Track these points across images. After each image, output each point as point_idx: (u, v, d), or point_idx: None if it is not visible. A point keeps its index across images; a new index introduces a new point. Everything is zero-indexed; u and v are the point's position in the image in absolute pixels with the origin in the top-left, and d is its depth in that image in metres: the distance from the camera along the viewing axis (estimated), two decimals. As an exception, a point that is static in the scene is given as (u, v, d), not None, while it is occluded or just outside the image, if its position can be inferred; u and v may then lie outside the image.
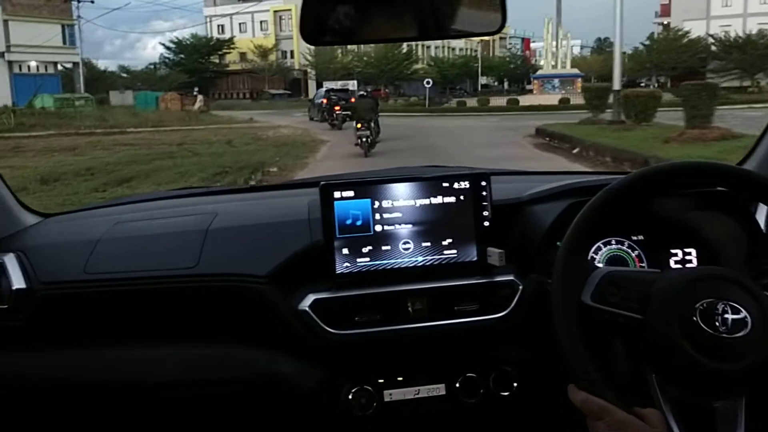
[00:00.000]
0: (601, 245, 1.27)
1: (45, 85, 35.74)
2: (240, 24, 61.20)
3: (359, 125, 13.37)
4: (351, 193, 1.19)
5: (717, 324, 0.89)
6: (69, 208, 2.06)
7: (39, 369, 1.22)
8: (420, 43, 44.82)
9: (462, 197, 1.23)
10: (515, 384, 1.23)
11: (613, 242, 1.27)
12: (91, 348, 1.23)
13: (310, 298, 1.17)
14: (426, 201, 1.22)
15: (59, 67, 42.21)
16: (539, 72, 40.90)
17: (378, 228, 1.20)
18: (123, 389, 1.23)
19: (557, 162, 11.81)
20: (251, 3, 55.41)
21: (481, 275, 1.23)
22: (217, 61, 57.76)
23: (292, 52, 57.54)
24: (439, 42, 54.56)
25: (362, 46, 39.76)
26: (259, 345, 1.22)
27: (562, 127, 16.66)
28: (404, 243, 1.21)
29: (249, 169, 10.27)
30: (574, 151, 13.23)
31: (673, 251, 1.28)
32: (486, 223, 1.23)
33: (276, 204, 1.45)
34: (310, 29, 1.05)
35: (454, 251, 1.22)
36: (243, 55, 57.21)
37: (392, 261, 1.21)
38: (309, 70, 53.68)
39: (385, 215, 1.21)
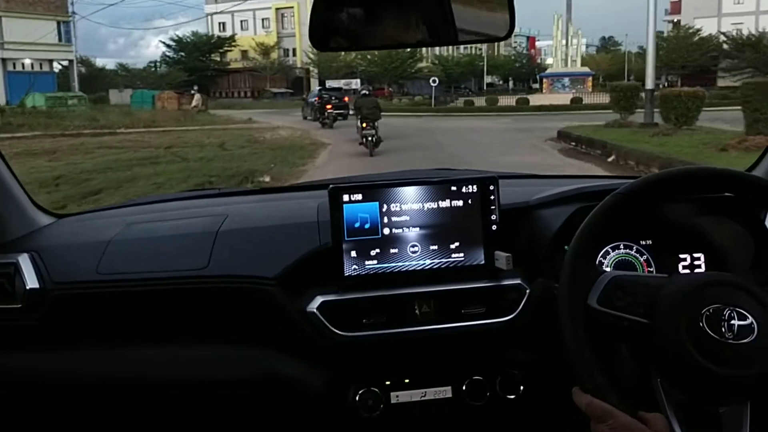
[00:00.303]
0: (610, 249, 1.28)
1: (40, 83, 35.04)
2: (242, 21, 60.38)
3: (364, 124, 13.15)
4: (359, 196, 1.21)
5: (723, 330, 0.89)
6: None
7: (52, 368, 1.26)
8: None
9: (470, 201, 1.24)
10: (521, 387, 1.24)
11: (622, 247, 1.28)
12: (102, 347, 1.26)
13: (318, 300, 1.19)
14: (434, 204, 1.23)
15: (55, 65, 41.39)
16: (548, 70, 40.01)
17: (386, 231, 1.22)
18: (132, 389, 1.25)
19: (593, 173, 10.55)
20: (253, 0, 54.39)
21: (488, 279, 1.24)
22: (218, 59, 57.17)
23: (294, 50, 56.86)
24: (444, 40, 53.50)
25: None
26: (267, 346, 1.24)
27: (587, 130, 15.07)
28: (412, 246, 1.23)
29: (238, 179, 9.41)
30: (610, 159, 11.68)
31: (682, 256, 1.29)
32: (494, 227, 1.25)
33: (285, 206, 1.47)
34: (319, 35, 1.06)
35: (462, 254, 1.24)
36: (244, 53, 56.33)
37: (400, 264, 1.22)
38: (311, 68, 52.81)
39: (394, 218, 1.22)
